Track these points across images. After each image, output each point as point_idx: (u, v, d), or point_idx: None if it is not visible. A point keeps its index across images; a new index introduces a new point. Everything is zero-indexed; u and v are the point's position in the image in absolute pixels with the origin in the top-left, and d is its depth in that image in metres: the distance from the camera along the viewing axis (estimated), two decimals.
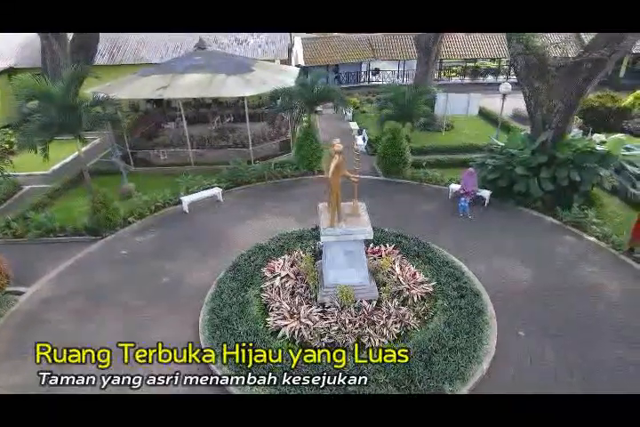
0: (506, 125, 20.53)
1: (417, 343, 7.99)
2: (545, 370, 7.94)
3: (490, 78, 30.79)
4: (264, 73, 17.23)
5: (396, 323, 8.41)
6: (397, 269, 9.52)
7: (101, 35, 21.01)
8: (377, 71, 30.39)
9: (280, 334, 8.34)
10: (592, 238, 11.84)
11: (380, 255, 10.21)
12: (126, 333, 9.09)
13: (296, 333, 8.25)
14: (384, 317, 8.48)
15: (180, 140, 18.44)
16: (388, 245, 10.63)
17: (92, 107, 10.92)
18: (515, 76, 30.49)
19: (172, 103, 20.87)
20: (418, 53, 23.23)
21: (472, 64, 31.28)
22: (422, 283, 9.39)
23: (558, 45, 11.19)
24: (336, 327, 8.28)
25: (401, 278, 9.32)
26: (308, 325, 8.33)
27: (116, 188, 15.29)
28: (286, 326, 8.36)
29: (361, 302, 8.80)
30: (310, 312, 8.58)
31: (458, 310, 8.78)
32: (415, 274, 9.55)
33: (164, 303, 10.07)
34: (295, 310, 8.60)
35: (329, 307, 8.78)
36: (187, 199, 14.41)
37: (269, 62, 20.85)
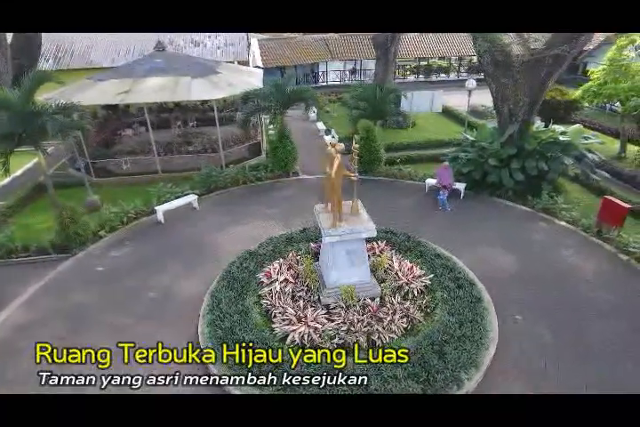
0: (466, 120, 21.44)
1: (426, 336, 8.12)
2: (546, 350, 8.35)
3: (442, 76, 32.09)
4: (230, 75, 16.81)
5: (402, 318, 8.50)
6: (396, 264, 9.62)
7: (45, 38, 19.54)
8: (354, 71, 30.83)
9: (289, 340, 8.15)
10: (563, 223, 12.63)
11: (374, 253, 10.27)
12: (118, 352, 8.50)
13: (305, 337, 8.10)
14: (390, 313, 8.53)
15: (144, 147, 17.60)
16: (379, 242, 10.71)
17: (56, 114, 10.08)
18: (464, 74, 32.24)
19: (131, 109, 19.82)
20: (376, 53, 23.66)
21: (424, 63, 32.44)
22: (420, 276, 9.55)
23: (520, 43, 11.81)
24: (345, 328, 8.22)
25: (400, 274, 9.44)
26: (316, 328, 8.20)
27: (80, 201, 14.30)
28: (294, 331, 8.19)
29: (364, 300, 8.81)
30: (317, 315, 8.46)
31: (458, 300, 9.02)
32: (412, 268, 9.70)
33: (156, 320, 9.52)
34: (302, 314, 8.44)
35: (333, 308, 8.72)
36: (161, 209, 13.76)
37: (233, 64, 20.38)
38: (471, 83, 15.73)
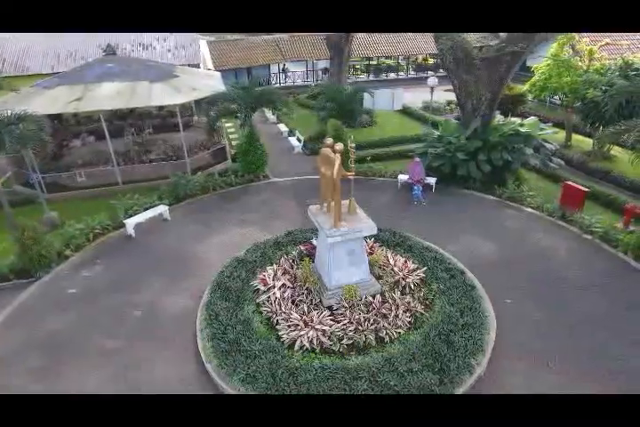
0: (424, 117, 22.29)
1: (432, 327, 8.31)
2: (539, 328, 8.90)
3: (392, 75, 33.07)
4: (190, 78, 16.16)
5: (405, 312, 8.63)
6: (391, 260, 9.75)
7: None
8: (327, 70, 31.03)
9: (297, 346, 8.00)
10: (529, 209, 13.46)
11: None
12: (115, 380, 7.92)
13: (314, 341, 7.99)
14: (393, 308, 8.64)
15: (99, 157, 16.51)
16: (368, 239, 10.77)
17: (11, 124, 9.08)
18: (413, 73, 33.40)
19: (79, 117, 18.48)
20: (330, 53, 23.92)
21: (374, 62, 33.25)
22: (414, 270, 9.75)
23: (480, 41, 12.44)
24: (352, 327, 8.21)
25: (396, 269, 9.57)
26: (324, 331, 8.12)
27: (36, 219, 13.09)
28: (302, 336, 8.04)
29: (366, 298, 8.84)
30: (322, 317, 8.37)
31: (454, 289, 9.31)
32: (406, 262, 9.89)
33: (149, 340, 8.97)
34: (307, 318, 8.30)
35: (337, 309, 8.67)
36: (130, 222, 12.95)
37: (189, 67, 19.62)
38: (433, 80, 16.34)
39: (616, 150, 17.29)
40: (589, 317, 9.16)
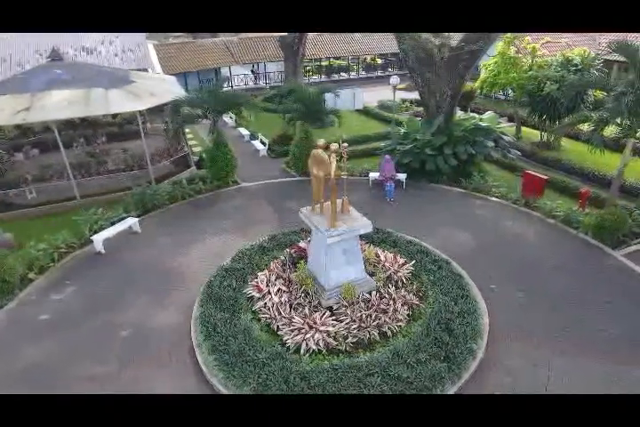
0: (382, 115, 22.86)
1: (431, 317, 8.57)
2: (525, 309, 9.47)
3: (343, 75, 33.60)
4: (147, 83, 15.41)
5: (402, 305, 8.83)
6: (382, 256, 9.92)
7: None
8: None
9: (303, 349, 7.93)
10: (495, 199, 14.26)
11: None
12: None
13: (321, 342, 7.96)
14: (391, 303, 8.81)
15: (49, 171, 15.33)
16: None
17: None
18: (363, 72, 34.14)
19: (23, 129, 17.03)
20: (284, 54, 23.90)
21: (325, 63, 33.59)
22: (404, 264, 10.00)
23: (441, 40, 13.01)
24: (355, 325, 8.27)
25: (387, 264, 9.76)
26: (328, 331, 8.11)
27: None
28: (307, 339, 7.98)
29: (363, 295, 8.95)
30: (324, 318, 8.35)
31: (444, 279, 9.67)
32: (395, 257, 10.11)
33: (142, 361, 8.47)
34: (310, 321, 8.25)
35: (337, 309, 8.69)
36: (98, 237, 12.17)
37: (142, 72, 18.69)
38: (395, 79, 16.83)
39: (562, 140, 18.79)
40: (565, 294, 9.88)
